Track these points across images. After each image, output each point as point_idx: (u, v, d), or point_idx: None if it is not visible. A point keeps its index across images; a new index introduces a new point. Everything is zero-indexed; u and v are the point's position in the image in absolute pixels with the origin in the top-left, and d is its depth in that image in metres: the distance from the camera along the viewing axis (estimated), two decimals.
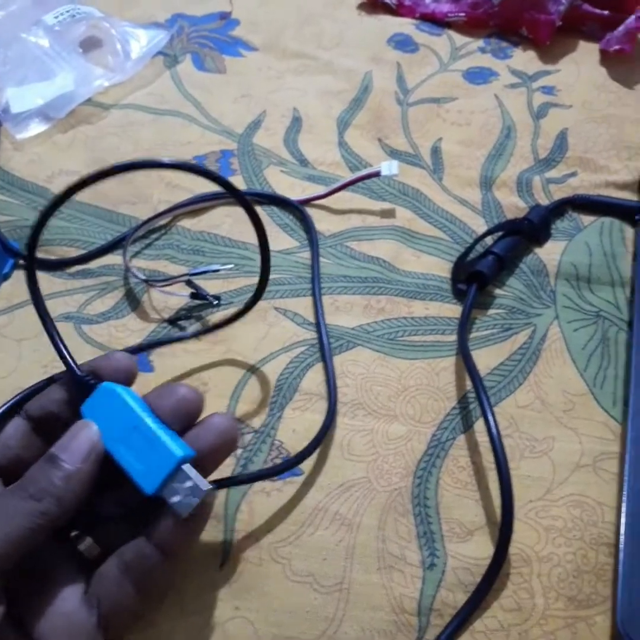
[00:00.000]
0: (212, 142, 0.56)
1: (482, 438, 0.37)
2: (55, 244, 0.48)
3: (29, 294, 0.32)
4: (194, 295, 0.43)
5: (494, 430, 0.33)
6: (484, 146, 0.56)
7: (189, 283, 0.43)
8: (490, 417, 0.34)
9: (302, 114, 0.59)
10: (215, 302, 0.43)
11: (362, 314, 0.43)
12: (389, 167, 0.49)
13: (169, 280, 0.43)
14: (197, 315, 0.43)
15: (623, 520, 0.31)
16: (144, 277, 0.43)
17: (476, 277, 0.43)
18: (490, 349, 0.41)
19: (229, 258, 0.46)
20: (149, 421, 0.29)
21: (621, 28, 0.63)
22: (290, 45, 0.68)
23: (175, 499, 0.27)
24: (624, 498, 0.32)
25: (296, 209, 0.49)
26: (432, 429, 0.37)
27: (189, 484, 0.28)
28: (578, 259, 0.46)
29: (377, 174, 0.49)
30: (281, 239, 0.48)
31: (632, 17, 0.62)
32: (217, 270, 0.43)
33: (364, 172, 0.50)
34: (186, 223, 0.49)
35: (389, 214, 0.50)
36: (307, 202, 0.50)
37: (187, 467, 0.28)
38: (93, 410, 0.30)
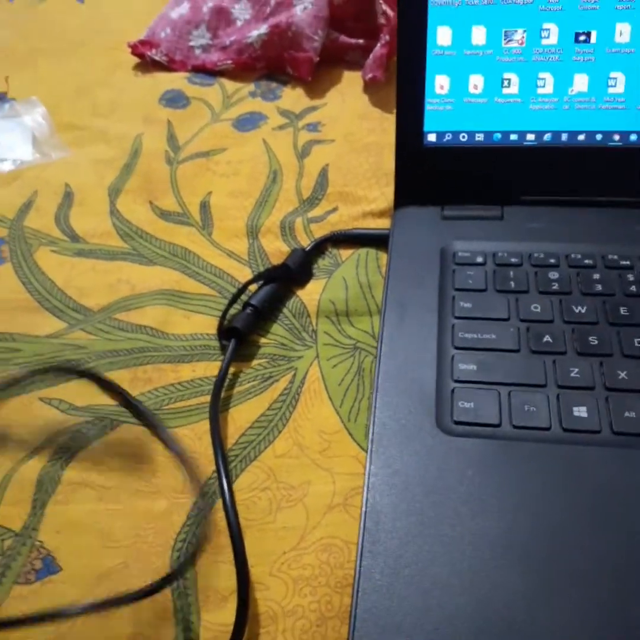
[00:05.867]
0: None
1: (241, 496, 0.37)
2: None
3: None
4: None
5: (227, 503, 0.34)
6: (251, 195, 0.57)
7: None
8: (225, 487, 0.35)
9: (74, 188, 0.59)
10: None
11: (128, 388, 0.43)
12: None
13: None
14: None
15: (357, 556, 0.32)
16: None
17: (234, 333, 0.44)
18: (252, 402, 0.42)
19: None
20: None
21: (371, 56, 0.65)
22: (65, 119, 0.68)
23: None
24: (359, 534, 0.33)
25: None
26: (194, 498, 0.37)
27: None
28: (335, 295, 0.47)
29: None
30: (50, 323, 0.47)
31: (378, 44, 0.65)
32: None
33: None
34: None
35: (157, 277, 0.50)
36: None
37: None
38: None
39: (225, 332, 0.45)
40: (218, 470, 0.36)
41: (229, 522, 0.34)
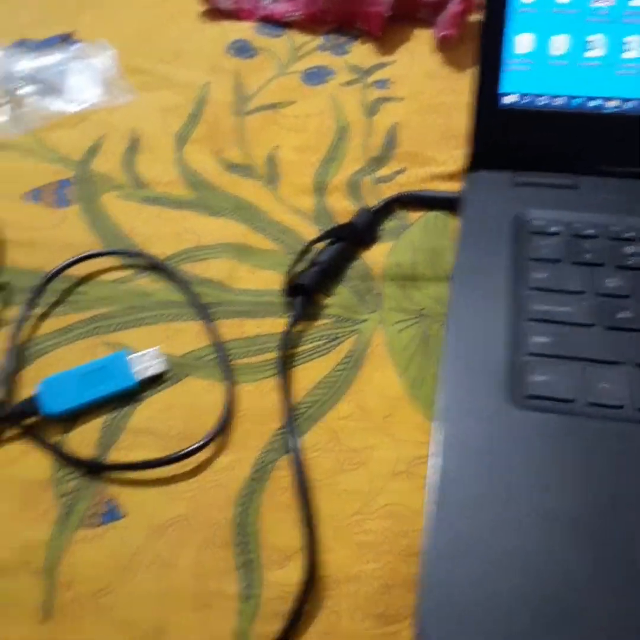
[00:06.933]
0: (48, 173, 0.55)
1: (306, 455, 0.37)
2: None
3: None
4: None
5: (296, 459, 0.34)
6: (318, 150, 0.56)
7: None
8: (295, 444, 0.35)
9: (141, 133, 0.59)
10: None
11: (193, 341, 0.43)
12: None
13: None
14: None
15: (425, 525, 0.31)
16: None
17: (300, 290, 0.44)
18: (317, 362, 0.41)
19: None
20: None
21: (445, 13, 0.63)
22: (130, 62, 0.67)
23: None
24: (426, 501, 0.32)
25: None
26: (257, 454, 0.38)
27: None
28: (403, 258, 0.47)
29: None
30: (115, 269, 0.48)
31: (453, 1, 0.63)
32: None
33: None
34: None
35: (223, 230, 0.50)
36: None
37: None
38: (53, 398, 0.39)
39: (291, 289, 0.44)
40: (288, 427, 0.36)
41: (298, 480, 0.34)
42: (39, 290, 0.46)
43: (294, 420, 0.37)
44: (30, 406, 0.39)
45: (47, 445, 0.38)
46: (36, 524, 0.36)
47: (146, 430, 0.39)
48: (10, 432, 0.40)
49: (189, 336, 0.44)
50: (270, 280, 0.47)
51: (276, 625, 0.31)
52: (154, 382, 0.41)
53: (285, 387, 0.39)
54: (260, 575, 0.33)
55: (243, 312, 0.45)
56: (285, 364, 0.41)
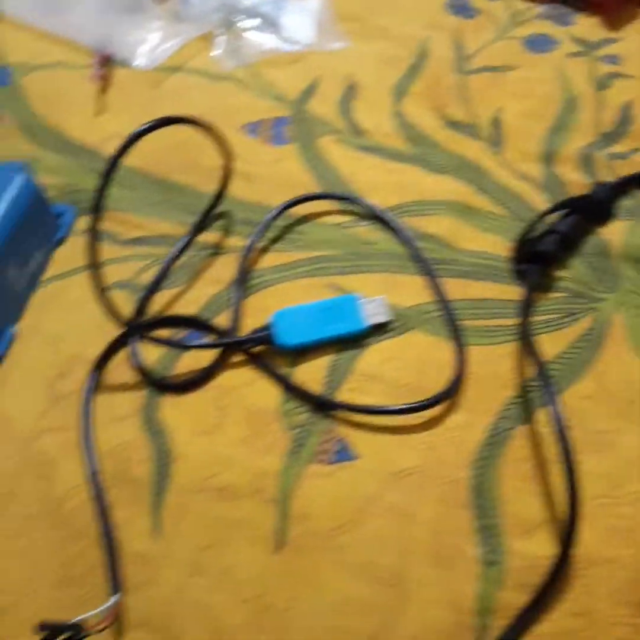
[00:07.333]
0: (264, 109, 0.55)
1: (544, 429, 0.35)
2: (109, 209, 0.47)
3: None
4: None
5: (560, 423, 0.32)
6: (545, 118, 0.54)
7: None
8: (556, 409, 0.33)
9: (357, 81, 0.57)
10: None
11: (417, 297, 0.42)
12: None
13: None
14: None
15: None
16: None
17: (539, 258, 0.42)
18: (551, 335, 0.40)
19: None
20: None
21: None
22: (342, 9, 0.66)
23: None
24: None
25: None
26: (491, 418, 0.36)
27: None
28: None
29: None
30: (336, 212, 0.47)
31: None
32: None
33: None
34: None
35: (446, 187, 0.48)
36: None
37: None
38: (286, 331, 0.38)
39: (525, 256, 0.42)
40: (547, 394, 0.34)
41: (563, 447, 0.32)
42: (267, 224, 0.45)
43: (550, 388, 0.35)
44: (264, 335, 0.38)
45: (277, 376, 0.38)
46: (267, 453, 0.35)
47: (373, 376, 0.38)
48: (237, 358, 0.39)
49: (412, 290, 0.42)
50: (495, 244, 0.45)
51: (523, 597, 0.30)
52: (379, 329, 0.40)
53: (535, 354, 0.37)
54: (503, 542, 0.32)
55: (467, 272, 0.43)
56: (530, 330, 0.39)
